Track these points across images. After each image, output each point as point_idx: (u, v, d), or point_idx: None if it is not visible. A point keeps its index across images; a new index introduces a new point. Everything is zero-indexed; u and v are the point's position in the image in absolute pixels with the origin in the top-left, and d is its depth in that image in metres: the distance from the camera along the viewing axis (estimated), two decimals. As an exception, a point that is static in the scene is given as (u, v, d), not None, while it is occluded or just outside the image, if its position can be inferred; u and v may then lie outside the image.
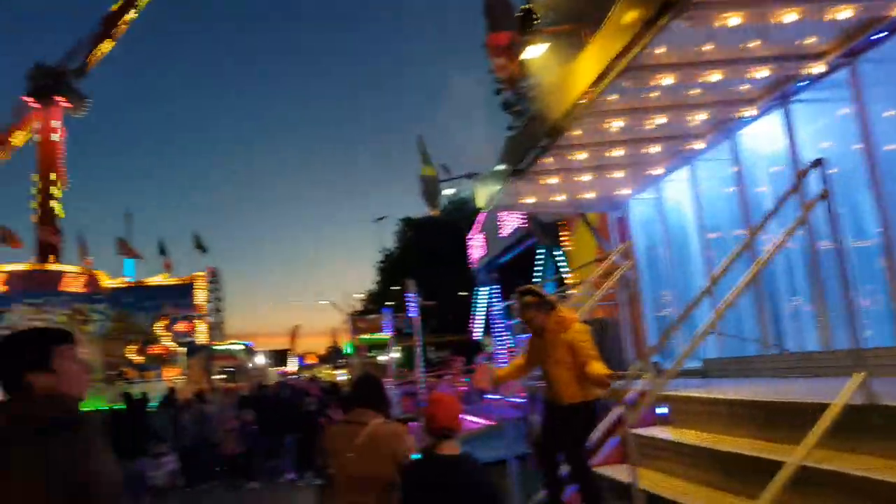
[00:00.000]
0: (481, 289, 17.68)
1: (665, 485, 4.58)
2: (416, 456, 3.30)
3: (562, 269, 12.73)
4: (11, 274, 26.97)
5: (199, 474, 11.36)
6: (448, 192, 13.47)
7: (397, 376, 23.81)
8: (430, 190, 12.29)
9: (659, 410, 5.57)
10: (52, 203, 30.54)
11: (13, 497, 1.66)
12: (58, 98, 31.50)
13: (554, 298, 5.08)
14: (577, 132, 6.21)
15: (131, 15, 34.60)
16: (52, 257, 29.28)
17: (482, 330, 18.41)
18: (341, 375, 37.71)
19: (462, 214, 33.98)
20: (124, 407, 11.12)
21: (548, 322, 4.75)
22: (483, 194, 10.21)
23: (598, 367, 4.39)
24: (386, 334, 29.85)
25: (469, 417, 13.83)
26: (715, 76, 5.15)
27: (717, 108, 5.93)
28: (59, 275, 27.30)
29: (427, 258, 37.73)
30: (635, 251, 8.36)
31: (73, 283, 27.14)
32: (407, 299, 18.20)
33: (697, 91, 5.50)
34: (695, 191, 7.51)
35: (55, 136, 31.37)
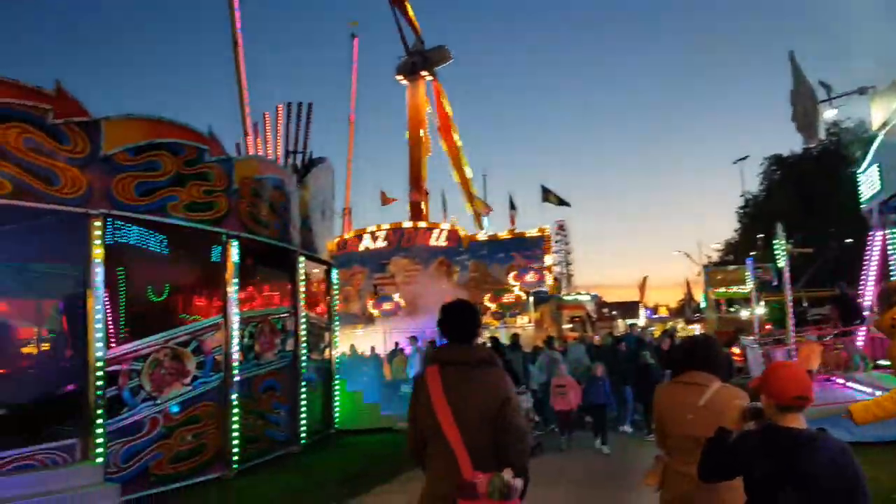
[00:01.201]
0: (876, 234, 14.33)
1: None
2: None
3: None
4: (392, 231, 31.43)
5: (543, 418, 11.40)
6: (829, 114, 10.90)
7: (763, 335, 21.26)
8: (805, 114, 10.05)
9: None
10: (420, 169, 34.60)
11: (478, 402, 2.95)
12: (423, 73, 35.20)
13: None
14: None
15: None
16: (422, 215, 33.43)
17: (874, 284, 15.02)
18: (696, 331, 35.56)
19: (843, 145, 28.67)
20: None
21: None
22: (880, 112, 8.05)
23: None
24: (747, 288, 26.92)
25: (856, 386, 11.45)
26: None
27: None
28: (428, 231, 31.07)
29: (799, 201, 32.86)
30: None
31: (439, 238, 30.70)
32: (775, 247, 15.72)
33: None
34: None
35: (421, 109, 35.28)
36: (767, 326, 25.73)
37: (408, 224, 31.69)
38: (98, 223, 6.66)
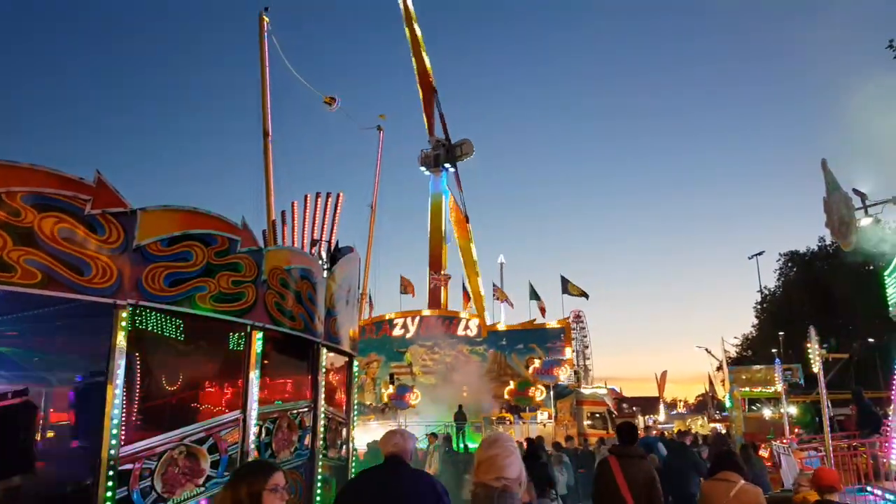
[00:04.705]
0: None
1: None
2: None
3: None
4: (411, 318, 31.09)
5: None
6: (865, 222, 10.83)
7: (800, 440, 20.30)
8: (841, 222, 9.95)
9: None
10: (440, 256, 34.70)
11: (640, 478, 5.74)
12: (446, 165, 35.94)
13: None
14: None
15: None
16: (441, 304, 33.22)
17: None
18: (719, 429, 34.26)
19: (869, 247, 28.53)
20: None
21: None
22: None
23: None
24: (772, 389, 26.02)
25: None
26: None
27: None
28: (446, 319, 30.73)
29: (818, 299, 32.47)
30: None
31: (457, 327, 30.32)
32: (808, 352, 15.33)
33: None
34: None
35: (444, 198, 35.79)
36: (797, 430, 24.76)
37: (427, 312, 31.40)
38: (125, 314, 6.47)
